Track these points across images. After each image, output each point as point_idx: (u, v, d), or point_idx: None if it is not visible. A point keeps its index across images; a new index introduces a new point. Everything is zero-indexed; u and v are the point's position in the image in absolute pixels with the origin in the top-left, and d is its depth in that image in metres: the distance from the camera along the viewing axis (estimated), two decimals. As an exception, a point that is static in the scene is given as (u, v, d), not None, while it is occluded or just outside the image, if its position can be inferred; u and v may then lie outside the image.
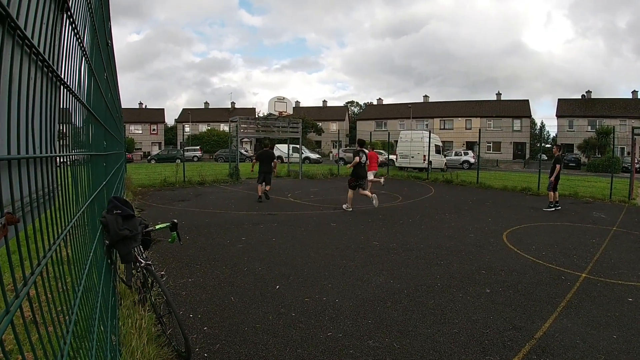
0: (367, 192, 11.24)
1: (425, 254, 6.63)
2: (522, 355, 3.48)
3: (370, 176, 13.26)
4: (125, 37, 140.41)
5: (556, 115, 50.80)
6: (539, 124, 68.76)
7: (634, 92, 49.15)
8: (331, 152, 50.42)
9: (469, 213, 10.86)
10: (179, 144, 58.39)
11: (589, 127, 46.89)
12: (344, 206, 11.02)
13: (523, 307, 4.52)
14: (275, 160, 13.61)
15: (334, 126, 63.66)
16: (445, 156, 31.39)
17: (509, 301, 4.70)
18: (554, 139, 53.88)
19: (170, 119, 71.11)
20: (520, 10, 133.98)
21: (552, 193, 11.80)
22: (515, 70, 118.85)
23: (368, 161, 12.19)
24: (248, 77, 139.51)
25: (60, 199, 1.60)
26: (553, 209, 11.59)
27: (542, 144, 45.59)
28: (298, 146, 20.89)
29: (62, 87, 1.67)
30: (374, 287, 5.10)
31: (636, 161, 16.24)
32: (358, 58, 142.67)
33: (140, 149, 59.25)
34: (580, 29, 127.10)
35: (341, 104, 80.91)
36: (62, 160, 1.77)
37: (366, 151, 11.80)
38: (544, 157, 33.75)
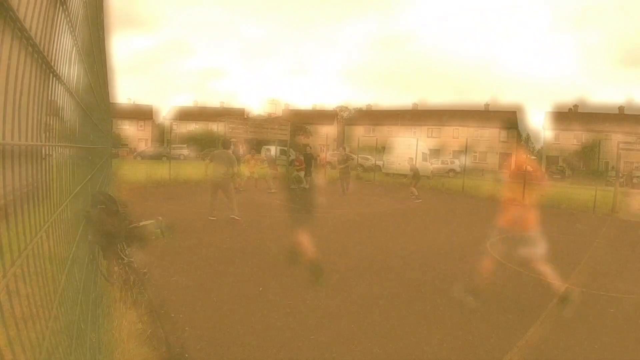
0: None
1: (408, 262, 6.64)
2: (505, 364, 3.50)
3: None
4: (128, 42, 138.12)
5: (543, 128, 51.67)
6: (525, 136, 69.54)
7: (621, 108, 50.11)
8: (319, 155, 50.39)
9: (453, 221, 10.94)
10: (166, 141, 57.74)
11: (575, 140, 47.70)
12: None
13: (505, 316, 4.55)
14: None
15: (323, 130, 63.64)
16: (431, 164, 31.56)
17: (491, 310, 4.72)
18: (540, 150, 54.70)
19: (159, 116, 70.25)
20: (510, 24, 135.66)
21: None
22: (504, 82, 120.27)
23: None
24: (240, 79, 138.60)
25: (43, 192, 1.55)
26: None
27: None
28: (285, 148, 20.74)
29: (51, 75, 1.62)
30: (356, 295, 5.08)
31: (620, 175, 16.37)
32: (351, 65, 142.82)
33: (128, 145, 58.59)
34: (571, 43, 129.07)
35: (331, 108, 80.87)
36: (47, 151, 1.72)
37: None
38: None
